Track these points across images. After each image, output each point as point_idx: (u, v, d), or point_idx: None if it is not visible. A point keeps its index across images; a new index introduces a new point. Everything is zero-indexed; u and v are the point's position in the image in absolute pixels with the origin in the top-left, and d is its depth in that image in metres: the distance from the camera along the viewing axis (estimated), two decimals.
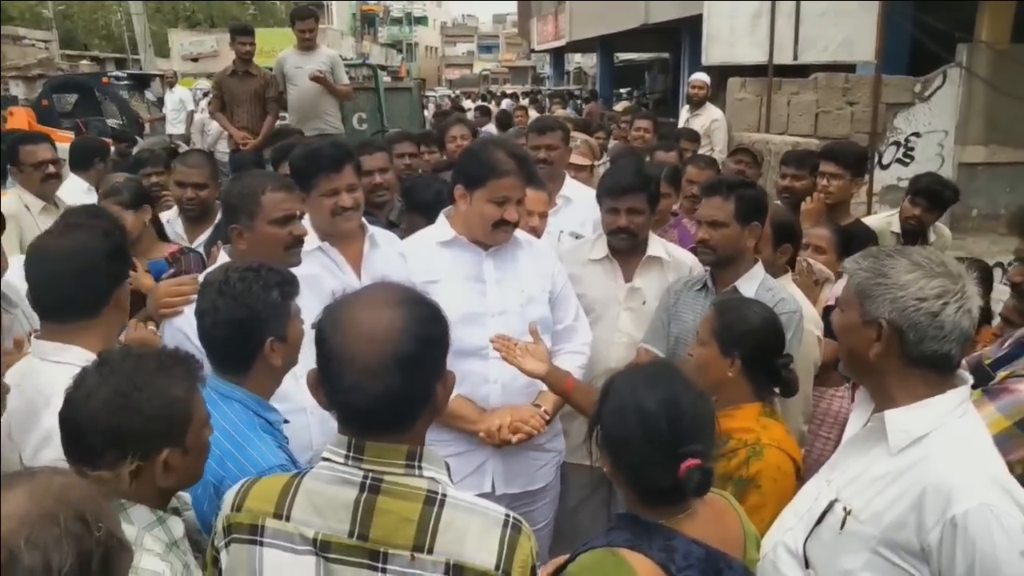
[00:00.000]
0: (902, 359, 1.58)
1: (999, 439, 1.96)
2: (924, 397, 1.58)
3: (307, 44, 6.73)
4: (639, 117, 6.56)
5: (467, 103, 22.93)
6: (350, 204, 2.73)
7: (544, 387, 2.62)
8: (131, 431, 1.47)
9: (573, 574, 1.61)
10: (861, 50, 8.42)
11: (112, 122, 13.36)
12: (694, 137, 6.34)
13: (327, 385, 1.39)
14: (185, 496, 1.70)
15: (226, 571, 1.46)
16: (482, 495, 2.51)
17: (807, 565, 1.70)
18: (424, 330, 1.39)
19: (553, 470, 2.77)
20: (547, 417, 2.56)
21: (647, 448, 1.61)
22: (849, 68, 8.80)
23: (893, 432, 1.59)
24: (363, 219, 2.93)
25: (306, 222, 2.76)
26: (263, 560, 1.41)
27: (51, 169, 4.35)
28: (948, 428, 1.57)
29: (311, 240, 2.74)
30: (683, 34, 14.70)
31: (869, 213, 7.58)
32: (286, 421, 2.04)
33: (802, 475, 2.06)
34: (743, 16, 8.60)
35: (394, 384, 1.34)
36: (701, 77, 7.99)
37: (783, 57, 8.55)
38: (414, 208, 3.57)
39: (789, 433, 2.22)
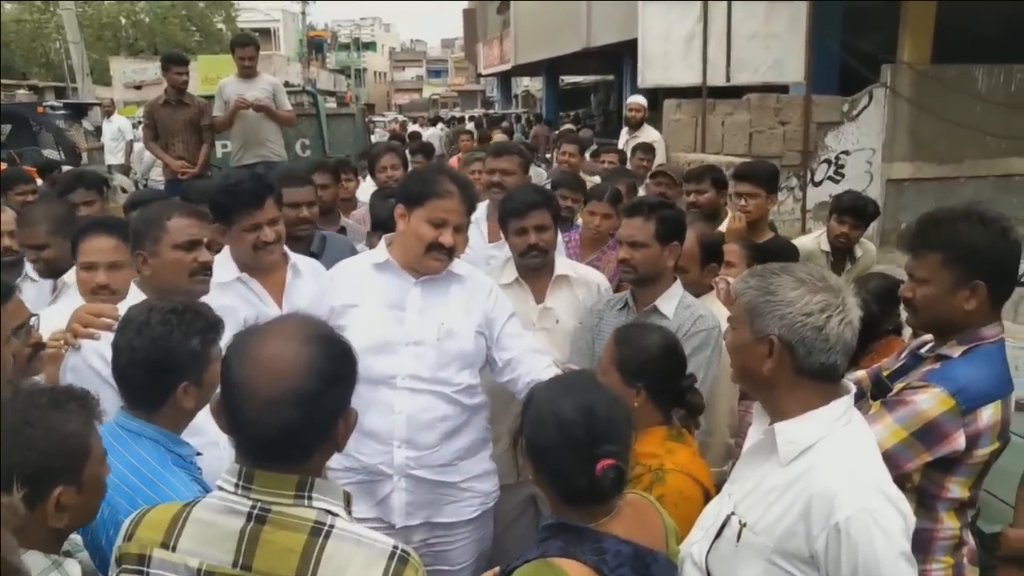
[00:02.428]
0: (793, 372, 1.64)
1: (897, 449, 2.04)
2: (814, 407, 1.64)
3: (247, 72, 6.69)
4: (565, 140, 6.57)
5: (413, 127, 22.85)
6: (272, 238, 2.69)
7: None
8: (24, 469, 1.44)
9: None
10: (791, 71, 8.71)
11: (48, 152, 13.04)
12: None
13: (227, 414, 1.40)
14: (76, 538, 1.67)
15: None
16: (388, 525, 2.50)
17: None
18: (329, 368, 1.39)
19: (469, 509, 2.66)
20: None
21: (566, 453, 1.67)
22: (781, 89, 9.07)
23: (782, 444, 1.64)
24: (286, 248, 2.90)
25: (225, 252, 2.75)
26: None
27: None
28: (833, 437, 1.62)
29: (231, 271, 2.72)
30: (624, 57, 14.97)
31: (804, 230, 7.81)
32: (199, 454, 2.02)
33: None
34: (677, 40, 8.83)
35: (293, 420, 1.34)
36: (638, 100, 8.15)
37: (716, 79, 8.79)
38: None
39: (696, 455, 2.25)
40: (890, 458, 2.02)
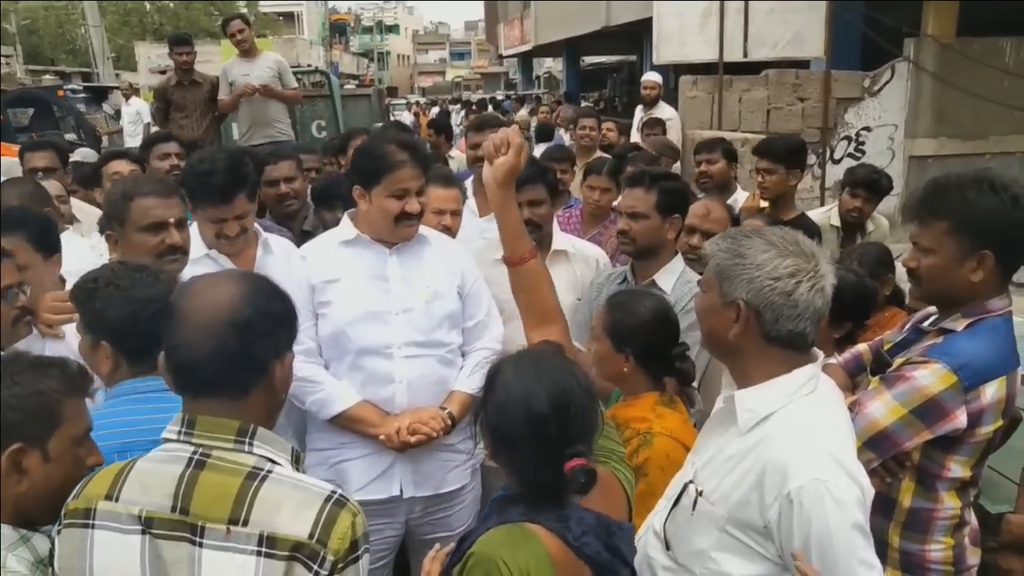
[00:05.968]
0: (760, 338, 1.58)
1: (896, 427, 1.96)
2: (778, 375, 1.58)
3: (244, 48, 6.70)
4: (583, 116, 6.57)
5: (435, 109, 22.74)
6: (234, 233, 2.70)
7: (453, 387, 2.58)
8: None
9: (482, 554, 1.55)
10: (811, 46, 8.52)
11: (70, 136, 13.16)
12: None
13: (165, 344, 1.44)
14: None
15: (58, 556, 1.47)
16: (391, 499, 2.50)
17: (668, 546, 1.71)
18: (261, 301, 1.44)
19: (467, 472, 2.68)
20: (449, 421, 2.49)
21: (534, 449, 1.60)
22: (800, 64, 8.87)
23: (742, 412, 1.60)
24: (257, 226, 2.90)
25: (195, 227, 2.75)
26: (93, 541, 1.43)
27: None
28: (793, 406, 1.57)
29: (199, 247, 2.72)
30: (644, 37, 14.73)
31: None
32: None
33: None
34: (692, 15, 8.67)
35: (225, 344, 1.38)
36: (653, 77, 8.02)
37: (733, 55, 8.62)
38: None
39: (687, 422, 2.20)
40: (888, 436, 1.97)
